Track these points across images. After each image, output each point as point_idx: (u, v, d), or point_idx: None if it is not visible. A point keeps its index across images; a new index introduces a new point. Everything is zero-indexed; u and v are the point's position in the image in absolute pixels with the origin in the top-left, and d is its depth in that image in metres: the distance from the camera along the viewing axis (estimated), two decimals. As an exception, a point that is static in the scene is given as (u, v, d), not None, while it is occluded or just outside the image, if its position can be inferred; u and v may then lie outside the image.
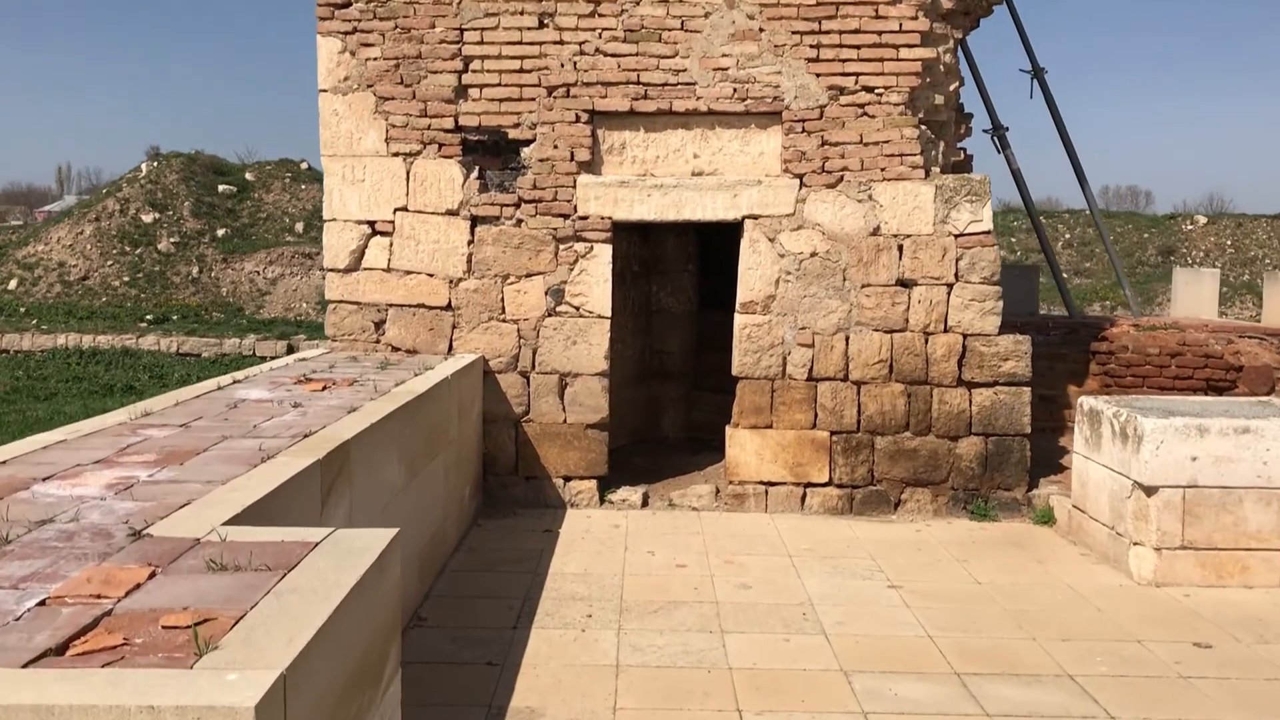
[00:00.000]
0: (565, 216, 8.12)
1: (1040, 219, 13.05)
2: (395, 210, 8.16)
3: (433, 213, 8.15)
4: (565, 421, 8.21)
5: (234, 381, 6.19)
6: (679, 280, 10.34)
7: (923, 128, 8.13)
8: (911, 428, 8.16)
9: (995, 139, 11.92)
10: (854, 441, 8.16)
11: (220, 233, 29.31)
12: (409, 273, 8.18)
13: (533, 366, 8.19)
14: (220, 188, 30.84)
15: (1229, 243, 33.92)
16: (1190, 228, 34.47)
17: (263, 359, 19.74)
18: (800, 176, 8.08)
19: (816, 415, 8.15)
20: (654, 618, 5.81)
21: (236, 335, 23.41)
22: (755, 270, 8.12)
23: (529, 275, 8.15)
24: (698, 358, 10.39)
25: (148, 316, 25.89)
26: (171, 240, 29.09)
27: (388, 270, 8.19)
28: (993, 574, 6.75)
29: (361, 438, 4.73)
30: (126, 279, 28.20)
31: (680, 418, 10.34)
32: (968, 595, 6.32)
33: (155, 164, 31.33)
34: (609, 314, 8.17)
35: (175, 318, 25.85)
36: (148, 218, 29.52)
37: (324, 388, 6.05)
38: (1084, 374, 10.53)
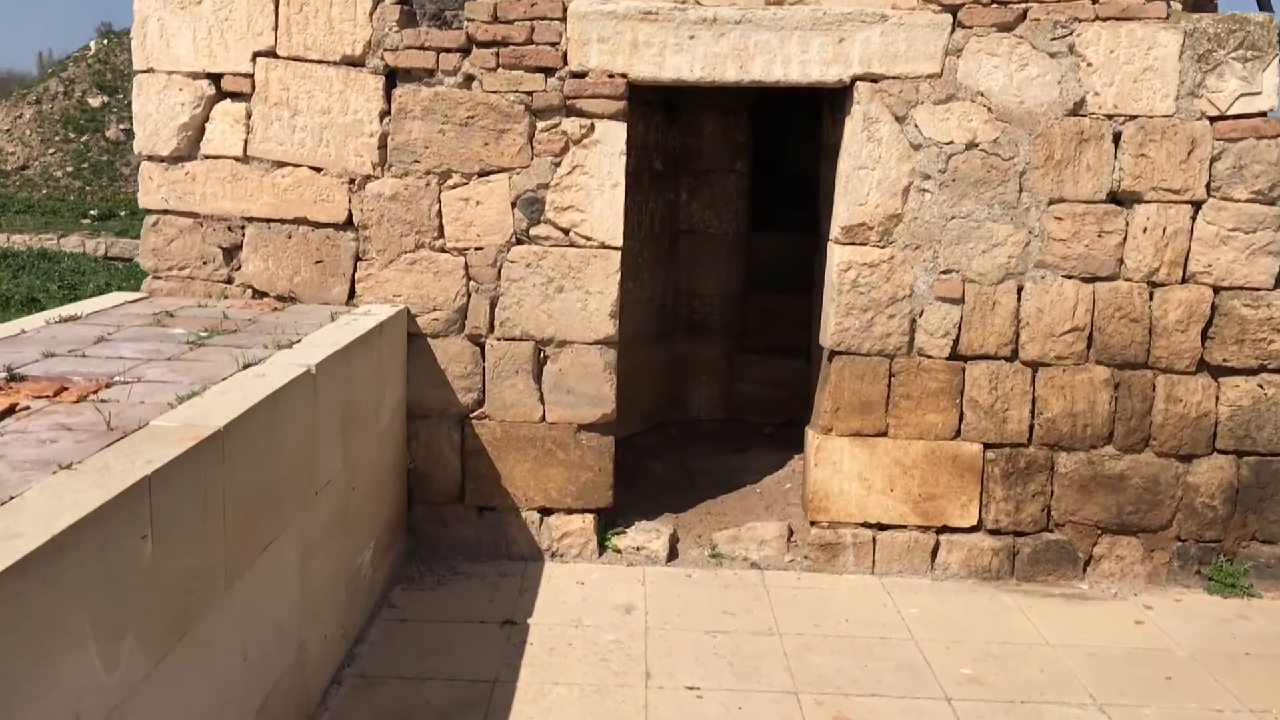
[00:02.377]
0: (548, 72, 4.75)
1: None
2: (256, 55, 4.76)
3: (320, 60, 4.76)
4: (544, 419, 4.96)
5: None
6: (722, 185, 6.93)
7: (1162, -70, 4.73)
8: (1117, 440, 4.92)
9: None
10: (1022, 460, 4.93)
11: (174, 119, 25.92)
12: (281, 164, 4.82)
13: (491, 328, 4.90)
14: (176, 68, 27.30)
15: None
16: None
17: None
18: (953, 10, 4.71)
19: (963, 416, 4.91)
20: None
21: (176, 238, 20.15)
22: (870, 171, 4.78)
23: (485, 173, 4.81)
24: (744, 302, 7.05)
25: (91, 211, 22.98)
26: (121, 127, 26.09)
27: (244, 160, 4.82)
28: (1337, 755, 3.60)
29: None
30: (70, 169, 25.53)
31: (717, 391, 7.02)
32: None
33: (105, 42, 28.00)
34: (619, 241, 4.87)
35: (123, 213, 22.86)
36: (95, 101, 26.61)
37: (7, 411, 2.79)
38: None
